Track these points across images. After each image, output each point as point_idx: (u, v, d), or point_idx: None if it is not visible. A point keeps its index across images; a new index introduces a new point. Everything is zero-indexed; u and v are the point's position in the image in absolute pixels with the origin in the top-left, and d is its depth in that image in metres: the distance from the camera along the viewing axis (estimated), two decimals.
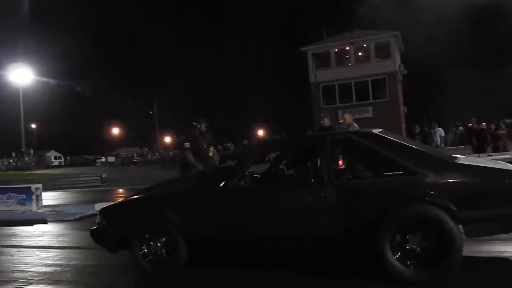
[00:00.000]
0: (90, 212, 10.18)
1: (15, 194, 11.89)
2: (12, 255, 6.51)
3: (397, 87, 34.45)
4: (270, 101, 53.92)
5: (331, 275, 4.40)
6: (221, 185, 4.59)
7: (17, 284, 4.87)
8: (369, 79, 34.04)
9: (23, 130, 42.56)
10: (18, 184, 14.53)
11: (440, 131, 16.98)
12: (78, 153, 64.01)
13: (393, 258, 3.89)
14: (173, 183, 5.65)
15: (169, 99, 57.49)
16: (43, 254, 6.44)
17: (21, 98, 40.63)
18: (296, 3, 75.19)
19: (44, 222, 10.18)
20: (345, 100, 33.88)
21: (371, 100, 34.04)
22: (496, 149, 16.06)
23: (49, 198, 14.63)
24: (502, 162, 4.96)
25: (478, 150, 15.84)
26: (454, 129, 23.38)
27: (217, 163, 10.53)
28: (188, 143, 7.46)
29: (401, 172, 4.01)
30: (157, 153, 52.01)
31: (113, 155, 55.99)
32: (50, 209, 11.89)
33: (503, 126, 17.77)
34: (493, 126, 18.25)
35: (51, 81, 45.52)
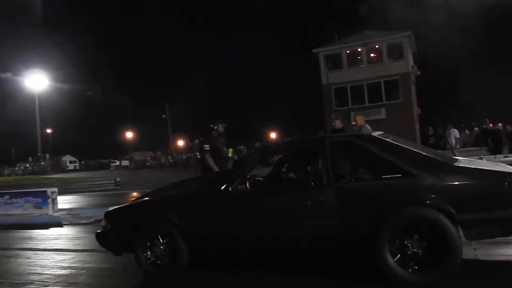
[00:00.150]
0: None
1: (32, 198, 12.04)
2: (29, 258, 6.62)
3: (410, 88, 34.09)
4: (282, 103, 53.96)
5: (330, 277, 4.43)
6: (222, 188, 4.63)
7: (34, 286, 4.95)
8: (382, 80, 33.77)
9: (39, 135, 43.20)
10: (34, 188, 14.71)
11: (455, 133, 16.77)
12: (92, 157, 64.75)
13: (392, 261, 3.89)
14: (176, 186, 5.70)
15: (182, 103, 57.76)
16: (59, 257, 6.53)
17: (37, 104, 41.30)
18: (308, 6, 75.18)
19: (60, 225, 10.31)
20: (358, 102, 33.60)
21: (384, 102, 33.75)
22: None
23: (65, 201, 14.79)
24: (503, 164, 4.90)
25: (494, 151, 15.63)
26: (466, 130, 23.06)
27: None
28: (207, 145, 7.49)
29: (400, 175, 4.01)
30: (170, 156, 52.31)
31: (127, 159, 56.58)
32: (65, 212, 12.00)
33: None
34: (509, 127, 17.98)
35: (65, 86, 46.14)
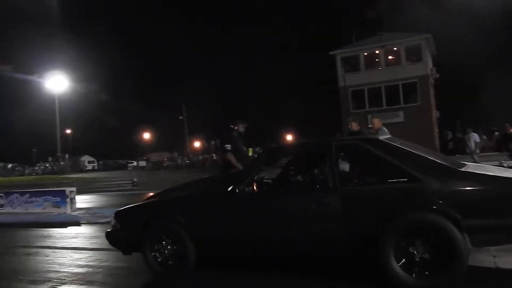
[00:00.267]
0: None
1: (51, 197, 12.26)
2: (47, 256, 6.74)
3: (429, 91, 33.61)
4: (299, 105, 53.77)
5: (334, 280, 4.46)
6: (229, 189, 4.66)
7: (51, 284, 5.03)
8: (400, 83, 33.36)
9: (59, 136, 43.95)
10: (53, 188, 14.97)
11: (475, 137, 16.47)
12: (110, 157, 65.57)
13: (397, 265, 3.87)
14: (186, 187, 5.75)
15: (199, 104, 58.10)
16: (76, 255, 6.63)
17: (57, 105, 42.03)
18: (325, 7, 74.91)
19: (78, 224, 10.48)
20: (375, 105, 33.27)
21: (402, 105, 33.31)
22: None
23: (83, 201, 15.01)
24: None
25: None
26: (484, 136, 22.61)
27: None
28: (228, 145, 7.56)
29: (406, 179, 3.99)
30: (186, 157, 52.61)
31: (144, 160, 57.08)
32: (83, 211, 12.19)
33: None
34: None
35: (85, 87, 46.89)
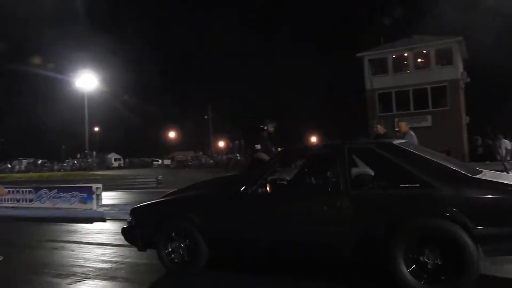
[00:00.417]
0: None
1: (78, 193, 12.52)
2: (73, 250, 6.88)
3: (459, 95, 32.82)
4: (325, 107, 53.43)
5: (341, 283, 4.47)
6: (241, 190, 4.69)
7: (76, 278, 5.13)
8: (429, 86, 32.70)
9: (87, 133, 44.98)
10: (80, 184, 15.29)
11: (506, 143, 15.98)
12: (136, 155, 66.63)
13: (406, 271, 3.83)
14: (203, 186, 5.79)
15: (224, 104, 58.44)
16: (101, 250, 6.75)
17: (85, 103, 43.02)
18: (353, 9, 74.16)
19: (103, 220, 10.68)
20: (402, 108, 32.67)
21: (431, 109, 32.64)
22: None
23: (109, 197, 15.27)
24: None
25: None
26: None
27: None
28: (258, 145, 7.59)
29: (418, 185, 3.94)
30: (210, 157, 52.97)
31: (169, 158, 57.74)
32: (109, 208, 12.39)
33: None
34: None
35: (113, 86, 47.87)
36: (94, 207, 12.04)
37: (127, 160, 64.83)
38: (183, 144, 65.41)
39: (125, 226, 5.48)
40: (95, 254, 6.53)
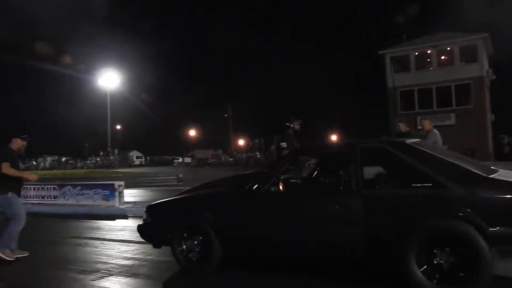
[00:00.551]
0: None
1: (100, 190, 12.72)
2: (96, 247, 7.00)
3: (484, 93, 32.03)
4: (346, 105, 52.96)
5: (351, 282, 4.44)
6: (254, 188, 4.70)
7: (99, 275, 5.21)
8: (452, 84, 32.03)
9: (109, 131, 45.70)
10: (103, 181, 15.52)
11: None
12: (157, 153, 67.37)
13: (418, 271, 3.78)
14: (218, 184, 5.81)
15: (244, 103, 58.56)
16: (123, 247, 6.84)
17: (108, 102, 43.69)
18: (375, 7, 73.20)
19: (125, 217, 10.83)
20: (425, 106, 32.08)
21: (454, 107, 31.97)
22: None
23: (130, 195, 15.46)
24: None
25: None
26: None
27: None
28: (284, 143, 7.60)
29: (430, 185, 3.87)
30: (230, 155, 53.14)
31: (189, 156, 58.18)
32: (131, 205, 12.55)
33: None
34: None
35: (135, 85, 48.49)
36: (117, 204, 12.22)
37: (148, 158, 65.62)
38: (203, 142, 65.87)
39: (141, 223, 5.55)
40: (117, 251, 6.62)
